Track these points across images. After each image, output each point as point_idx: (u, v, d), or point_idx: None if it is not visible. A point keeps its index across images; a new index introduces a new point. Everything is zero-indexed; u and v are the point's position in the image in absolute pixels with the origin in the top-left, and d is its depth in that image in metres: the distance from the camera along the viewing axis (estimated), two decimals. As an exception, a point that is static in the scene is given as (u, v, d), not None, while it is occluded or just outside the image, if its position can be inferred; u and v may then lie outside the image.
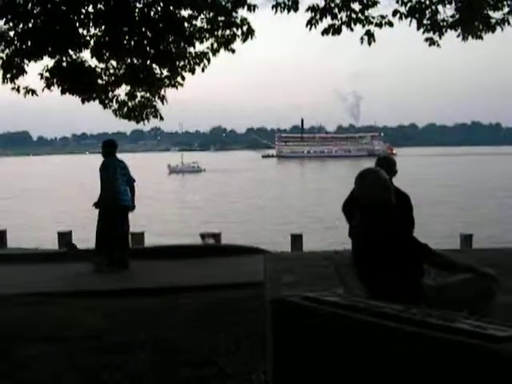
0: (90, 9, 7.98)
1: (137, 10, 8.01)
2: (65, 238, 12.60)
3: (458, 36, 8.42)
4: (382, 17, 7.97)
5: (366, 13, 8.00)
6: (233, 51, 8.65)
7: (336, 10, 7.93)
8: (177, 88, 9.20)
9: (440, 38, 8.42)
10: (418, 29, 8.20)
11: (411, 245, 3.97)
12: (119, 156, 10.11)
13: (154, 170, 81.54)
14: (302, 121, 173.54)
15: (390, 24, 8.00)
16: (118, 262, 9.72)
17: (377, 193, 4.04)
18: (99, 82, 8.93)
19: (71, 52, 8.34)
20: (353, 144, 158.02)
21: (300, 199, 45.35)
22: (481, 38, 8.42)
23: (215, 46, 8.67)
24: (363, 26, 8.01)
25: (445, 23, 8.29)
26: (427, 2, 8.20)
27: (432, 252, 3.99)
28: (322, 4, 7.86)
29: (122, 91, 9.35)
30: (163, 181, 71.57)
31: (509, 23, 8.18)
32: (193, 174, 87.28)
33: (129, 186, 9.91)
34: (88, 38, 8.21)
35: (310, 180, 71.99)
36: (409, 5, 7.99)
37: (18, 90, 8.72)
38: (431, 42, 8.49)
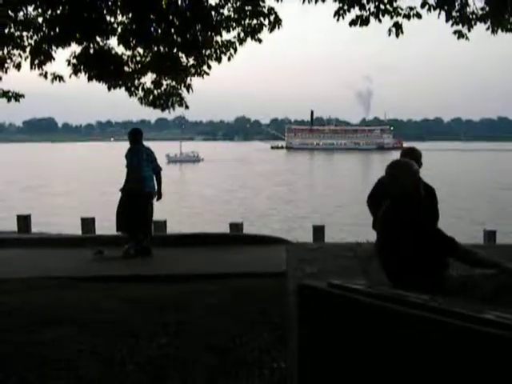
0: (118, -4, 8.02)
1: (164, -2, 8.02)
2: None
3: (488, 29, 8.29)
4: (411, 8, 7.89)
5: (395, 4, 7.93)
6: (259, 41, 8.62)
7: (364, 1, 7.86)
8: (203, 77, 9.21)
9: (469, 30, 8.29)
10: (447, 21, 8.09)
11: (437, 237, 3.95)
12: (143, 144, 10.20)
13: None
14: (312, 112, 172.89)
15: (419, 16, 7.90)
16: (142, 250, 9.81)
17: (407, 183, 4.04)
18: (125, 69, 8.98)
19: (98, 39, 8.40)
20: (362, 137, 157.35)
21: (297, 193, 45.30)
22: (511, 31, 8.30)
23: (242, 35, 8.65)
24: (391, 17, 7.92)
25: (474, 16, 8.17)
26: (457, -6, 8.09)
27: (458, 246, 3.97)
28: (350, -6, 7.80)
29: (148, 79, 9.41)
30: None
31: (540, 16, 8.06)
32: (191, 164, 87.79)
33: (155, 174, 10.01)
34: (115, 25, 8.26)
35: (313, 172, 71.95)
36: (438, -4, 7.88)
37: (45, 76, 8.82)
38: (460, 34, 8.36)
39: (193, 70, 9.15)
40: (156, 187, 9.95)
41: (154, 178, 9.94)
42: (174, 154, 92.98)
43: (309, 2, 7.84)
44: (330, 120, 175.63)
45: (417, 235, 3.88)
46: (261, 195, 43.98)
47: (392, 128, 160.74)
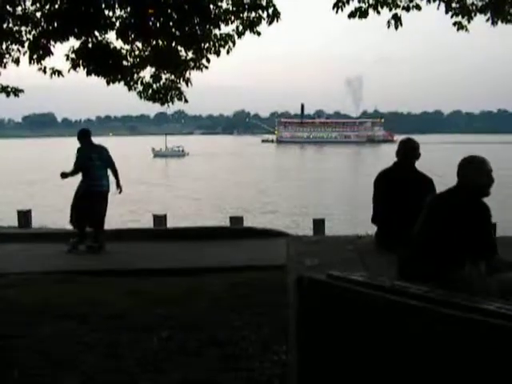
0: (116, -10, 7.98)
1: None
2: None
3: (488, 20, 8.26)
4: (410, 0, 7.86)
5: (394, -4, 7.90)
6: (258, 34, 8.59)
7: (363, -7, 7.84)
8: (202, 70, 9.19)
9: (469, 22, 8.26)
10: (447, 12, 8.07)
11: (481, 238, 4.03)
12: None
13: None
14: (302, 106, 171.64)
15: (418, 7, 7.88)
16: (100, 247, 9.95)
17: (478, 177, 4.14)
18: (124, 63, 8.95)
19: (97, 33, 8.37)
20: (353, 130, 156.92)
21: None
22: (511, 22, 8.27)
23: (240, 28, 8.62)
24: (390, 9, 7.90)
25: (474, 7, 8.15)
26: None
27: (494, 256, 4.06)
28: (349, -14, 7.77)
29: (147, 73, 9.38)
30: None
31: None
32: (176, 158, 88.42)
33: (111, 170, 10.18)
34: (114, 19, 8.23)
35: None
36: (437, -13, 7.85)
37: (44, 70, 8.79)
38: (459, 26, 8.33)
39: (192, 64, 9.12)
40: (109, 185, 10.17)
41: (111, 174, 10.16)
42: (159, 149, 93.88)
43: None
44: (321, 113, 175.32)
45: (467, 228, 3.96)
46: (254, 189, 43.90)
47: (383, 120, 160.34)
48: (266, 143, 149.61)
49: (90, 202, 9.81)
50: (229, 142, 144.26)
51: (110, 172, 10.23)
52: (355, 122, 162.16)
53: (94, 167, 9.93)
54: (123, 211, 26.47)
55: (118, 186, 10.17)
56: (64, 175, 10.07)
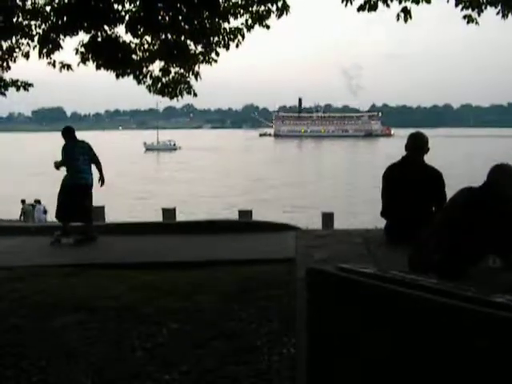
0: (126, -16, 7.99)
1: (172, -14, 7.98)
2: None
3: (498, 13, 8.20)
4: (419, -8, 7.81)
5: (403, -11, 7.85)
6: (267, 27, 8.57)
7: (373, -14, 7.79)
8: (211, 64, 9.18)
9: (479, 15, 8.20)
10: (457, 5, 8.02)
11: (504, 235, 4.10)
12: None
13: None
14: (300, 100, 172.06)
15: (428, 0, 7.84)
16: (88, 237, 10.16)
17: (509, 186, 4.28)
18: (133, 57, 8.97)
19: (106, 27, 8.38)
20: (350, 124, 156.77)
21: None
22: (522, 15, 8.20)
23: (250, 21, 8.60)
24: (400, 2, 7.85)
25: (484, 0, 8.09)
26: (467, -22, 8.00)
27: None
28: (358, -21, 7.72)
29: (156, 67, 9.39)
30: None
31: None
32: (168, 152, 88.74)
33: (95, 164, 10.41)
34: (123, 13, 8.24)
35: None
36: (447, -20, 7.80)
37: (53, 65, 8.82)
38: (469, 19, 8.27)
39: (201, 58, 9.12)
40: (92, 179, 10.35)
41: (95, 168, 10.39)
42: (150, 143, 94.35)
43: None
44: (319, 107, 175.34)
45: (490, 228, 4.02)
46: (257, 184, 43.98)
47: (380, 114, 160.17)
48: (264, 137, 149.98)
49: (74, 195, 10.08)
50: (228, 137, 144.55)
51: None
52: (352, 116, 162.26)
53: (78, 161, 10.16)
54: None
55: (101, 179, 10.41)
56: (57, 166, 10.40)
